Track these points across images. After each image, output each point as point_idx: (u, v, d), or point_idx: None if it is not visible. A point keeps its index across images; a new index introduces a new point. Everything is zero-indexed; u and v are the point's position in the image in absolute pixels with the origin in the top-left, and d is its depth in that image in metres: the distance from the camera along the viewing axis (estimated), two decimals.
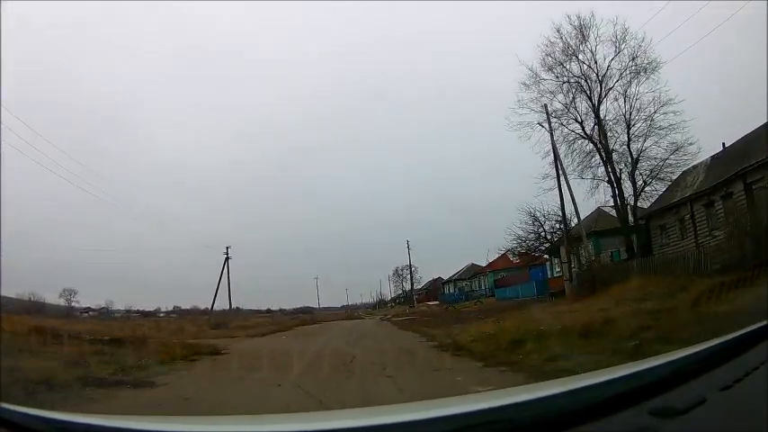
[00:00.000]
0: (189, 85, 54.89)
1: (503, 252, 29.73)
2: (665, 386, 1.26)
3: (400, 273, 54.30)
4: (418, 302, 43.01)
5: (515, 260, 36.59)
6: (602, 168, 19.17)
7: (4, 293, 14.35)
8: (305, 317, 30.24)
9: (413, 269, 52.20)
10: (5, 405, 1.18)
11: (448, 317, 18.53)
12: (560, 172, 18.20)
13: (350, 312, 45.05)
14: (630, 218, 19.08)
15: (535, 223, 21.81)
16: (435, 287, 49.61)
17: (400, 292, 56.88)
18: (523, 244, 23.32)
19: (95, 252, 36.27)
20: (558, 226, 21.11)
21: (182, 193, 48.91)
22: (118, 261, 35.70)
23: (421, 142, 55.34)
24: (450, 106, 57.86)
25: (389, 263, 57.61)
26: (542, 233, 22.07)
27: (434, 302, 40.36)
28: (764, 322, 1.51)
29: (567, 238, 19.22)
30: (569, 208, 18.68)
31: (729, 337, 1.51)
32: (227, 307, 29.18)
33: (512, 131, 19.71)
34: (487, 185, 50.46)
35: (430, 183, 55.98)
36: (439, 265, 60.47)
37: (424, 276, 50.38)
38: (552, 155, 18.93)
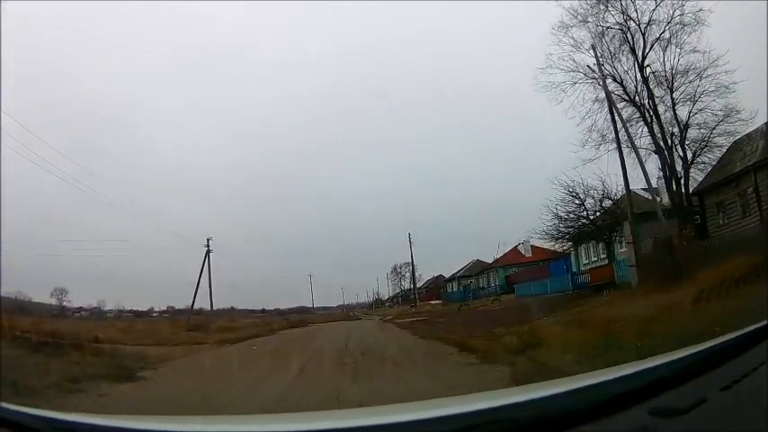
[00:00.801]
0: (189, 85, 59.18)
1: (527, 238, 28.79)
2: (665, 386, 1.40)
3: (399, 270, 55.94)
4: (420, 301, 43.97)
5: (527, 255, 37.31)
6: (645, 139, 17.99)
7: None
8: (295, 318, 30.61)
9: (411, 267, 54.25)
10: (5, 405, 1.31)
11: (469, 318, 17.14)
12: (617, 122, 16.57)
13: (346, 312, 46.82)
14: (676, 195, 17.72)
15: (575, 201, 19.84)
16: (437, 285, 50.60)
17: (398, 290, 58.91)
18: (561, 226, 21.11)
19: (91, 251, 37.16)
20: (601, 204, 19.37)
21: (181, 193, 51.81)
22: (115, 261, 37.63)
23: (421, 142, 60.07)
24: (450, 106, 62.55)
25: (386, 263, 60.90)
26: (585, 212, 20.09)
27: (437, 301, 40.92)
28: (764, 322, 1.65)
29: (631, 211, 17.15)
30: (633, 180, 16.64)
31: (729, 337, 1.66)
32: (222, 306, 31.18)
33: (540, 94, 18.89)
34: (488, 185, 55.26)
35: (429, 182, 60.27)
36: (438, 263, 62.93)
37: (424, 274, 51.85)
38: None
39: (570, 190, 19.70)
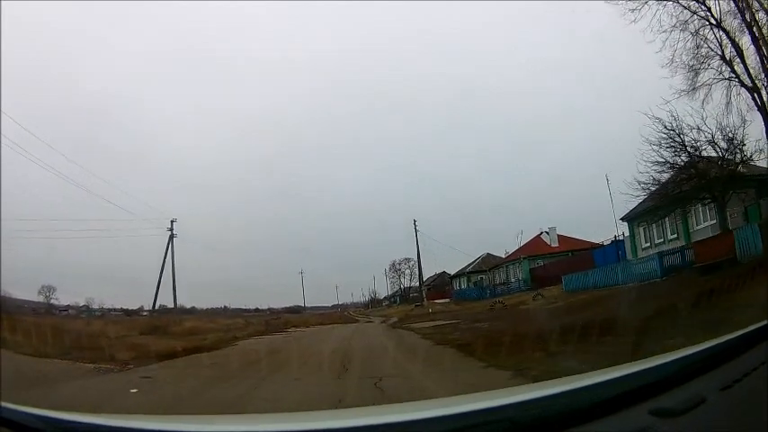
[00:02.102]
0: (187, 84, 71.00)
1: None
2: (665, 386, 1.69)
3: (398, 267, 59.84)
4: (427, 298, 45.16)
5: (554, 245, 37.68)
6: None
7: None
8: (279, 320, 32.16)
9: (411, 263, 57.57)
10: (6, 405, 1.58)
11: (529, 323, 14.86)
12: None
13: (340, 312, 50.96)
14: None
15: (674, 141, 17.80)
16: (442, 282, 52.47)
17: (397, 289, 62.69)
18: (664, 174, 18.90)
19: (86, 250, 44.75)
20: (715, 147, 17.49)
21: (179, 193, 61.14)
22: (109, 259, 41.87)
23: (420, 142, 71.18)
24: (450, 104, 73.79)
25: (383, 261, 67.83)
26: (689, 158, 18.05)
27: (444, 300, 41.76)
28: (764, 322, 1.97)
29: None
30: None
31: (729, 337, 1.97)
32: (214, 306, 39.17)
33: (542, 91, 18.65)
34: (489, 184, 64.12)
35: (429, 180, 70.16)
36: (442, 258, 73.05)
37: (425, 271, 54.63)
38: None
39: (669, 128, 17.91)
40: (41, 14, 52.74)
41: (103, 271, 37.29)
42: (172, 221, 31.88)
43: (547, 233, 39.21)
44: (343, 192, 68.21)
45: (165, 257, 31.38)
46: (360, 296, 71.68)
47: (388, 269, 61.33)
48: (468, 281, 46.75)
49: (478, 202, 61.76)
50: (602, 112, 54.91)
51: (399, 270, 60.75)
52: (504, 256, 42.85)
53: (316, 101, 72.04)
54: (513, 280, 38.81)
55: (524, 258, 37.19)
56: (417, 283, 60.23)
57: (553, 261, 34.06)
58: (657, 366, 1.86)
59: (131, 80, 63.74)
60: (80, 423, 1.64)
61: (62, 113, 55.43)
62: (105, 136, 64.62)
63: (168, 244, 31.59)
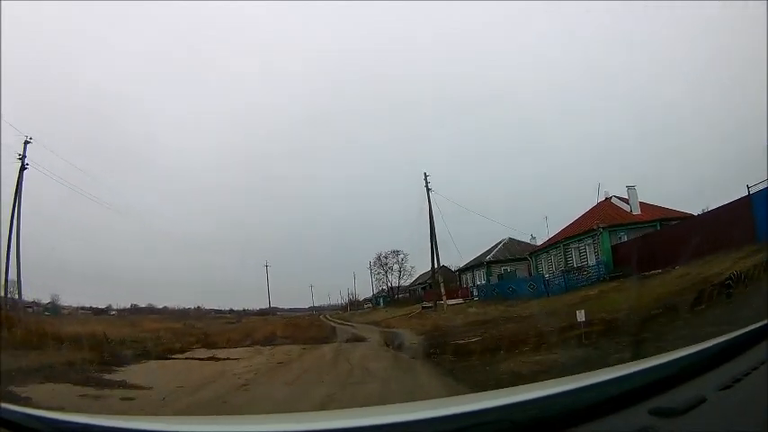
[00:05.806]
0: (188, 84, 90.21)
1: None
2: (665, 386, 2.27)
3: (384, 262, 66.63)
4: (425, 299, 48.52)
5: (636, 212, 36.29)
6: None
7: None
8: (234, 325, 39.65)
9: (400, 257, 64.38)
10: (5, 405, 2.12)
11: None
12: None
13: (312, 318, 57.53)
14: None
15: None
16: (447, 278, 54.05)
17: (383, 287, 69.49)
18: None
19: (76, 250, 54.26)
20: None
21: (177, 194, 77.63)
22: (95, 259, 51.33)
23: (420, 141, 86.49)
24: (450, 105, 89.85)
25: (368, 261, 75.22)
26: None
27: (457, 300, 43.08)
28: (764, 322, 2.58)
29: None
30: None
31: (729, 336, 2.59)
32: (187, 306, 50.51)
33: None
34: (489, 185, 78.15)
35: (429, 181, 69.96)
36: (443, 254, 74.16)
37: (418, 267, 64.06)
38: None
39: None
40: (41, 14, 67.71)
41: (78, 267, 46.36)
42: (25, 142, 31.67)
43: (619, 198, 37.10)
44: (341, 192, 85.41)
45: (13, 210, 31.31)
46: (338, 298, 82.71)
47: (372, 263, 66.63)
48: (489, 273, 47.90)
49: (479, 201, 76.35)
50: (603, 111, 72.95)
51: (386, 265, 66.45)
52: (528, 241, 45.01)
53: (315, 100, 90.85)
54: (578, 265, 36.54)
55: (604, 229, 33.57)
56: (406, 282, 65.20)
57: (656, 232, 31.31)
58: (657, 366, 2.47)
59: (131, 80, 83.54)
60: (77, 423, 2.21)
61: (62, 113, 69.94)
62: (104, 135, 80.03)
63: (18, 183, 31.22)
